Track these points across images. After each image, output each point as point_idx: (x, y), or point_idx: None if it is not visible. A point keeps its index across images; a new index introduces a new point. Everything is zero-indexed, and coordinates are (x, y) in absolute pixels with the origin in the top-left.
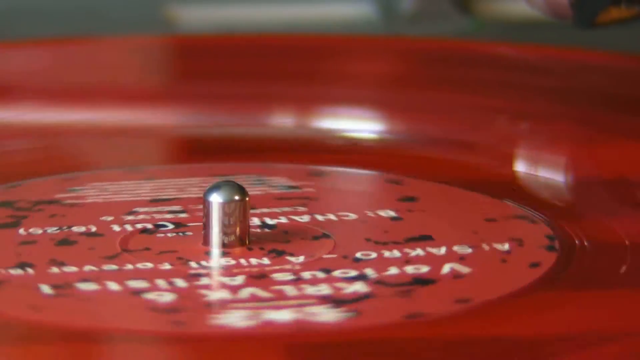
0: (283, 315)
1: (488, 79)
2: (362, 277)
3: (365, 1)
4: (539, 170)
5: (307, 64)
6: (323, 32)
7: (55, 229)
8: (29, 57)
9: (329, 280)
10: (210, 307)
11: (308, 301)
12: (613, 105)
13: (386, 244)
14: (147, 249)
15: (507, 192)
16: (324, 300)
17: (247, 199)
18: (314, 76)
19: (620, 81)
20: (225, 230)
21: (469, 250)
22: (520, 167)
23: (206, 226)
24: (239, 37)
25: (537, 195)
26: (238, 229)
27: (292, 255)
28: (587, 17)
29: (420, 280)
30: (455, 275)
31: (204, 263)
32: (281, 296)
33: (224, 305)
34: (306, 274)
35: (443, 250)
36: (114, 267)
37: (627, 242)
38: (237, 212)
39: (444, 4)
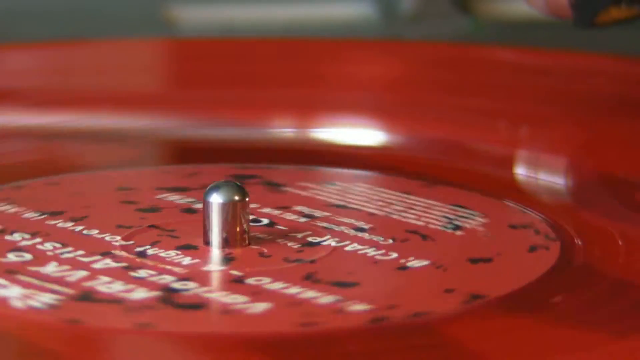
0: (10, 292)
1: (488, 82)
2: (166, 289)
3: (365, 1)
4: (539, 172)
5: (307, 67)
6: (323, 33)
7: (184, 200)
8: (28, 59)
9: (152, 286)
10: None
11: (57, 288)
12: (612, 108)
13: (308, 280)
14: (172, 230)
15: (508, 193)
16: (74, 294)
17: (247, 199)
18: (313, 79)
19: (619, 84)
20: (225, 230)
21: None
22: (521, 169)
23: (207, 226)
24: (238, 40)
25: (537, 197)
26: (238, 229)
27: (230, 265)
28: (587, 17)
29: (188, 306)
30: (224, 311)
31: (148, 251)
32: (69, 284)
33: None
34: (162, 277)
35: (309, 295)
36: (84, 231)
37: (620, 243)
38: (238, 212)
39: (444, 5)
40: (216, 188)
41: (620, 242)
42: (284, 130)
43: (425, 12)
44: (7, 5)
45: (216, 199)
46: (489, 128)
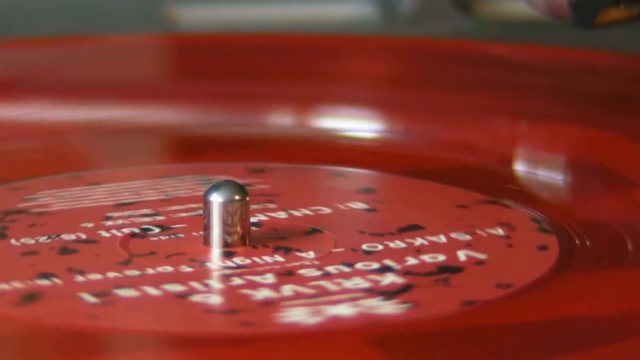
0: (344, 310)
1: (487, 78)
2: (387, 269)
3: (365, 1)
4: (538, 169)
5: (306, 63)
6: (323, 32)
7: (45, 237)
8: (30, 55)
9: (359, 274)
10: (266, 305)
11: (357, 295)
12: (612, 105)
13: (383, 235)
14: (153, 252)
15: (505, 191)
16: (370, 293)
17: (247, 198)
18: (313, 76)
19: (618, 81)
20: (227, 230)
21: (468, 237)
22: (520, 166)
23: (207, 226)
24: (238, 36)
25: (536, 194)
26: (239, 229)
27: (299, 251)
28: (587, 18)
29: (447, 269)
30: (476, 262)
31: (223, 263)
32: (325, 292)
33: (277, 303)
34: (330, 268)
35: (443, 238)
36: (136, 272)
37: (619, 240)
38: (239, 212)
39: (444, 4)
40: (216, 187)
41: (619, 240)
42: (282, 125)
43: (425, 11)
44: (10, 2)
45: (216, 199)
46: (488, 125)
